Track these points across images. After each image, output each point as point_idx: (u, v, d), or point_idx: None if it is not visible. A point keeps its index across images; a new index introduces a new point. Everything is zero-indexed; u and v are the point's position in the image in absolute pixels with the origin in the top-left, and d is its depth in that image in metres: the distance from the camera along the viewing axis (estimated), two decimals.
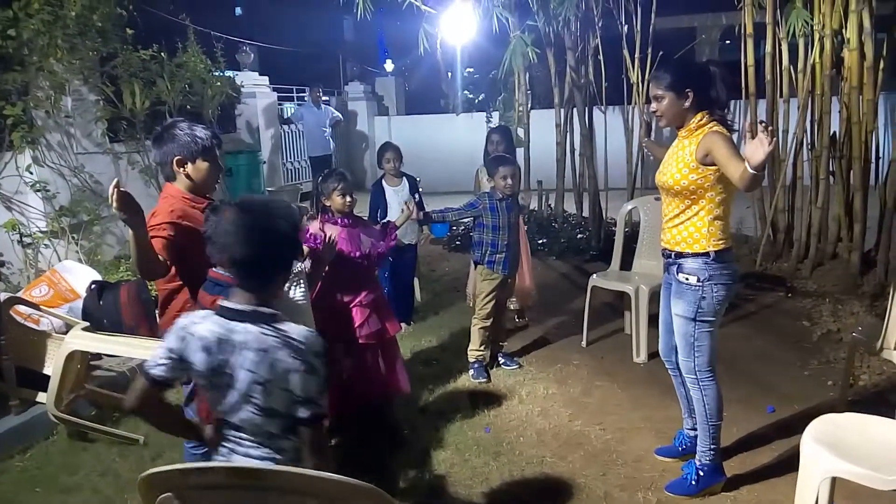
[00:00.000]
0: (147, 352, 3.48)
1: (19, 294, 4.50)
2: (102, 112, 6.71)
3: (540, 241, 7.50)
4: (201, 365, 1.73)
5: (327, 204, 3.55)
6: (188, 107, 7.69)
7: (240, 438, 1.77)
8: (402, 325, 4.49)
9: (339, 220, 3.54)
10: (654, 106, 2.90)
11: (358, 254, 3.51)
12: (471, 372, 4.30)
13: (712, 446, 3.00)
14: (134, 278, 5.03)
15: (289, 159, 10.91)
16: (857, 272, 5.43)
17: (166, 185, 2.67)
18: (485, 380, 4.22)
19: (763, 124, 2.42)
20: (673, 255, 2.91)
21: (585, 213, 8.01)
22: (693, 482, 3.00)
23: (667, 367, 3.22)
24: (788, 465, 2.57)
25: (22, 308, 3.95)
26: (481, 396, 4.03)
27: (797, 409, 3.67)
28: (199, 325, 1.75)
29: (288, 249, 1.83)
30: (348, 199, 3.52)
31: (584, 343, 4.78)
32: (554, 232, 7.77)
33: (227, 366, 1.71)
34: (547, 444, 3.48)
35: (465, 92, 12.37)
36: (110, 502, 3.08)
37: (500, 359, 4.46)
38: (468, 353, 4.34)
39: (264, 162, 9.43)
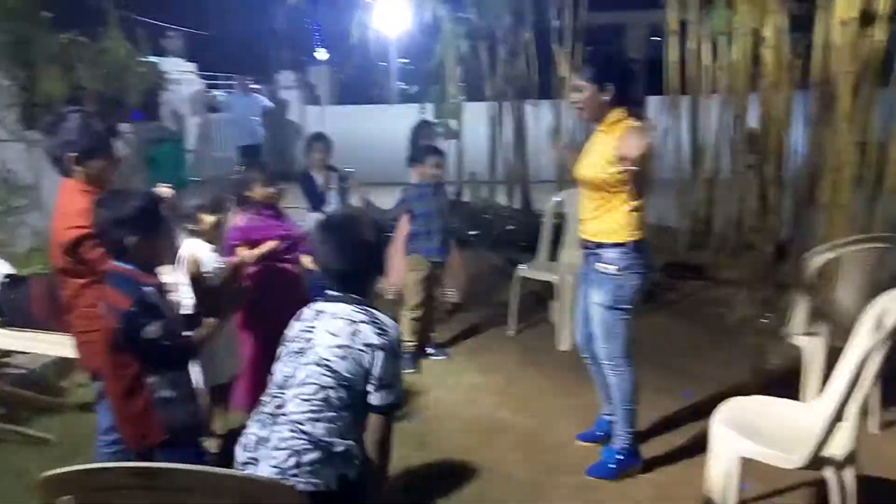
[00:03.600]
0: (58, 347, 3.36)
1: None
2: (15, 98, 6.40)
3: (472, 233, 7.54)
4: (290, 331, 1.92)
5: (250, 195, 3.47)
6: (109, 94, 7.42)
7: (280, 430, 1.77)
8: None
9: (263, 212, 3.48)
10: (575, 96, 2.96)
11: (283, 236, 3.45)
12: (430, 351, 4.36)
13: (629, 430, 3.10)
14: (47, 272, 4.83)
15: (216, 149, 10.63)
16: (770, 261, 5.67)
17: (63, 181, 2.55)
18: (413, 370, 4.23)
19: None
20: (592, 246, 2.98)
21: (517, 206, 8.10)
22: (612, 466, 3.08)
23: (583, 356, 3.30)
24: (703, 446, 2.67)
25: None
26: (407, 387, 4.03)
27: (712, 393, 3.80)
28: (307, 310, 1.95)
29: (376, 259, 2.01)
30: (271, 189, 3.46)
31: (511, 332, 4.83)
32: (486, 223, 7.82)
33: (312, 330, 1.84)
34: (472, 433, 3.51)
35: (400, 83, 12.30)
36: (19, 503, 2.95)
37: (429, 349, 4.47)
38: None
39: (189, 151, 9.17)
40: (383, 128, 11.91)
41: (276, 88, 12.53)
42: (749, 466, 2.71)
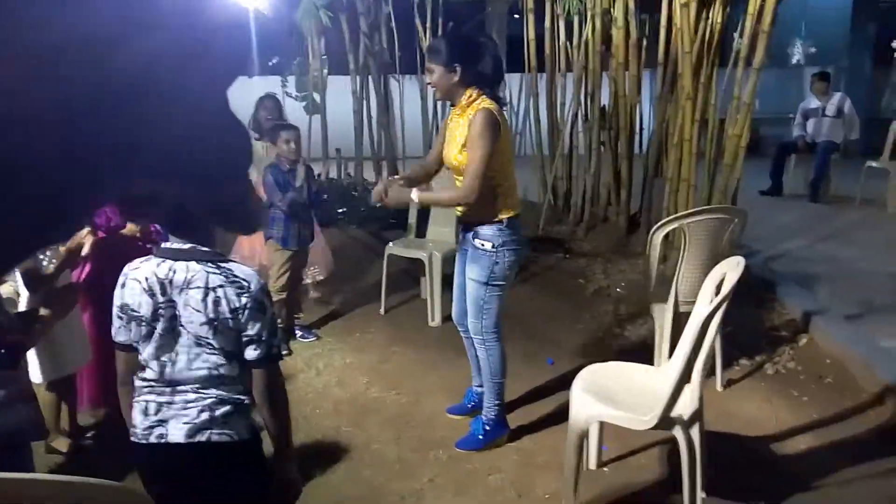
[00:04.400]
0: None
1: None
2: None
3: (340, 210, 7.44)
4: (145, 309, 1.69)
5: None
6: None
7: (170, 404, 1.70)
8: None
9: None
10: (427, 78, 2.99)
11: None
12: (298, 333, 4.28)
13: (496, 402, 3.20)
14: None
15: None
16: (624, 233, 6.01)
17: None
18: (286, 353, 4.13)
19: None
20: (468, 224, 3.04)
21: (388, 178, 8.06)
22: (480, 436, 3.17)
23: (459, 330, 3.36)
24: (565, 413, 2.80)
25: None
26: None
27: (573, 360, 4.00)
28: (138, 269, 1.71)
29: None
30: None
31: (381, 311, 4.83)
32: (353, 201, 7.73)
33: (175, 307, 1.66)
34: (343, 414, 3.49)
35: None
36: None
37: (297, 332, 4.38)
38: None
39: None
40: (244, 101, 11.41)
41: None
42: (607, 429, 2.90)
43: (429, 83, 2.98)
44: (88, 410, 3.29)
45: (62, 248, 2.87)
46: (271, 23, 10.91)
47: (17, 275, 2.73)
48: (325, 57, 8.88)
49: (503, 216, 2.98)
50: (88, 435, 3.25)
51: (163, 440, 1.71)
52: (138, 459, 1.79)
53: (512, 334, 4.11)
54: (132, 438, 1.78)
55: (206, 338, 1.67)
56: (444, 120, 3.24)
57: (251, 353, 1.70)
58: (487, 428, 3.19)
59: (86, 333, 3.06)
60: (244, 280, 1.68)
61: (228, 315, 1.66)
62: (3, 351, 1.97)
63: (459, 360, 3.79)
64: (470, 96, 2.89)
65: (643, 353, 3.77)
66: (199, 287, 1.65)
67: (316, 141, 8.33)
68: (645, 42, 5.97)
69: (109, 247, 3.02)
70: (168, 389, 1.73)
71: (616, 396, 2.62)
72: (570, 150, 6.58)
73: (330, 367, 4.01)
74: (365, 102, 8.04)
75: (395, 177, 3.38)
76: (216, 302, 1.65)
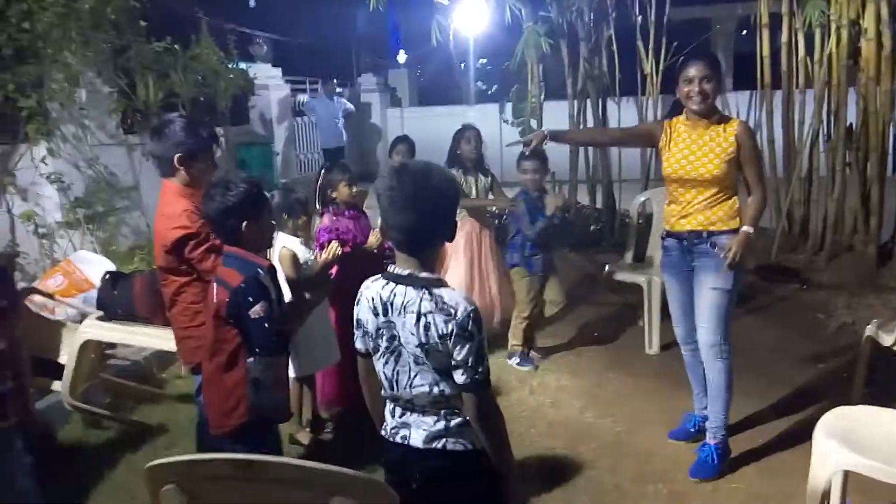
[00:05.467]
0: (160, 341, 3.53)
1: (35, 284, 4.54)
2: (116, 104, 6.75)
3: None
4: (370, 326, 1.82)
5: (334, 196, 3.56)
6: (201, 98, 7.74)
7: (411, 410, 1.83)
8: None
9: (347, 212, 3.56)
10: (700, 86, 2.94)
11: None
12: (514, 360, 4.30)
13: (724, 417, 3.08)
14: (148, 269, 5.07)
15: (302, 151, 10.93)
16: (873, 264, 5.37)
17: (165, 183, 2.67)
18: (531, 367, 4.26)
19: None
20: (705, 235, 3.04)
21: (599, 205, 7.98)
22: (713, 461, 3.04)
23: (684, 352, 3.27)
24: (800, 457, 2.55)
25: (37, 298, 3.98)
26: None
27: (808, 401, 3.64)
28: (368, 289, 1.84)
29: (448, 215, 1.83)
30: (354, 189, 3.54)
31: (596, 334, 4.76)
32: (568, 224, 7.73)
33: (394, 328, 1.77)
34: (558, 436, 3.48)
35: (478, 83, 12.33)
36: (123, 489, 3.10)
37: (514, 358, 4.36)
38: (510, 346, 4.35)
39: (277, 154, 9.46)
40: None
41: (358, 91, 12.78)
42: (854, 481, 2.59)
43: (699, 91, 2.94)
44: (324, 407, 3.60)
45: (319, 258, 3.22)
46: (489, 52, 11.32)
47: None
48: (542, 83, 9.03)
49: (741, 225, 3.00)
50: (327, 429, 3.54)
51: (405, 441, 1.84)
52: (386, 453, 1.91)
53: (739, 368, 3.87)
54: (382, 433, 1.92)
55: (422, 357, 1.76)
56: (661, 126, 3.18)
57: (458, 377, 1.75)
58: (719, 451, 3.06)
59: (335, 335, 3.37)
60: (452, 307, 1.72)
61: (437, 340, 1.72)
62: (275, 338, 2.24)
63: (678, 391, 3.63)
64: (721, 112, 3.05)
65: (895, 399, 3.33)
66: (412, 312, 1.74)
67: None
68: None
69: (353, 258, 3.37)
70: (401, 400, 1.84)
71: (867, 444, 2.34)
72: (808, 172, 6.04)
73: (543, 388, 4.02)
74: (581, 126, 8.03)
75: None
76: (426, 327, 1.72)
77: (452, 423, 1.81)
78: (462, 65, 13.35)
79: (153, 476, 1.41)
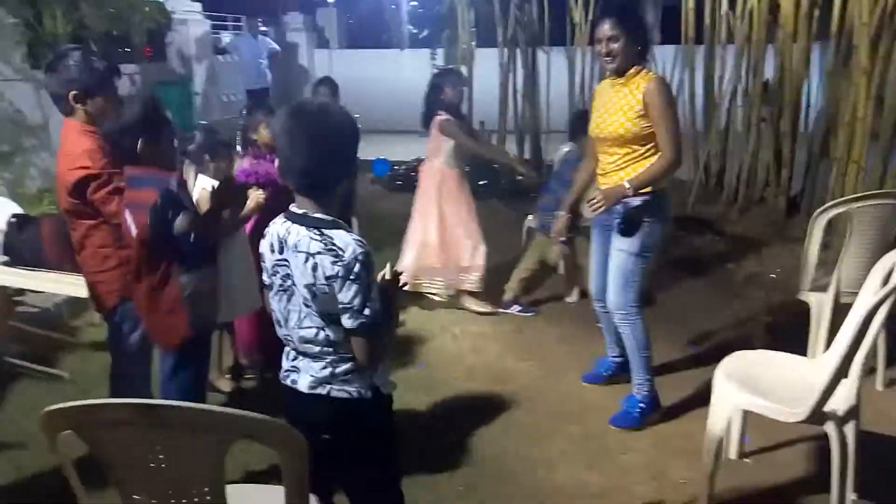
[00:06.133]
0: (70, 287, 3.40)
1: None
2: (21, 37, 6.32)
3: (481, 182, 7.51)
4: (267, 261, 1.83)
5: (255, 138, 3.47)
6: (114, 33, 7.31)
7: (303, 354, 1.82)
8: None
9: (268, 155, 3.47)
10: (607, 47, 2.90)
11: None
12: (516, 308, 4.38)
13: (647, 377, 3.16)
14: (57, 212, 4.84)
15: (224, 92, 10.51)
16: (782, 217, 5.64)
17: (66, 122, 2.54)
18: (534, 314, 4.38)
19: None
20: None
21: (527, 156, 8.04)
22: (636, 413, 3.14)
23: (596, 306, 3.33)
24: (705, 399, 2.70)
25: None
26: (415, 335, 4.08)
27: (718, 346, 3.83)
28: (273, 224, 1.83)
29: (346, 156, 1.79)
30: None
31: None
32: (495, 174, 7.76)
33: (288, 266, 1.76)
34: (478, 379, 3.57)
35: (409, 27, 12.08)
36: (34, 439, 3.02)
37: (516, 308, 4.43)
38: (507, 295, 4.41)
39: (197, 94, 9.08)
40: (392, 74, 11.79)
41: (285, 31, 12.33)
42: (751, 420, 2.76)
43: (606, 52, 2.90)
44: (245, 354, 3.57)
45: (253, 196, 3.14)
46: None
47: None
48: (474, 29, 8.92)
49: (656, 189, 2.96)
50: (248, 376, 3.52)
51: (294, 385, 1.85)
52: (281, 396, 1.92)
53: (654, 317, 4.01)
54: (280, 376, 1.93)
55: (309, 300, 1.74)
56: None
57: (346, 321, 1.73)
58: (643, 405, 3.15)
59: (256, 281, 3.31)
60: (340, 248, 1.68)
61: (324, 281, 1.70)
62: (202, 248, 2.23)
63: (594, 337, 3.75)
64: (639, 68, 2.93)
65: (795, 344, 3.51)
66: (303, 252, 1.72)
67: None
68: (817, 11, 5.49)
69: (273, 203, 3.27)
70: (292, 341, 1.84)
71: (763, 386, 2.49)
72: (726, 126, 6.23)
73: (465, 334, 4.09)
74: (511, 75, 8.02)
75: (560, 213, 3.42)
76: (314, 267, 1.70)
77: (338, 369, 1.80)
78: (393, 7, 13.07)
79: (49, 422, 1.37)
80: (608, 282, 3.11)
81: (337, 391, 1.81)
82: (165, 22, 8.51)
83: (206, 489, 1.44)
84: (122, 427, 1.39)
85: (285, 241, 1.76)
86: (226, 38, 11.47)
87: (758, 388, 2.47)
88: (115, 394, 2.72)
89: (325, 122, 1.74)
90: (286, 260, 1.76)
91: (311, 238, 1.71)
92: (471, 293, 4.42)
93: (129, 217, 2.24)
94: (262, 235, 1.89)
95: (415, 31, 12.18)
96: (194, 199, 3.13)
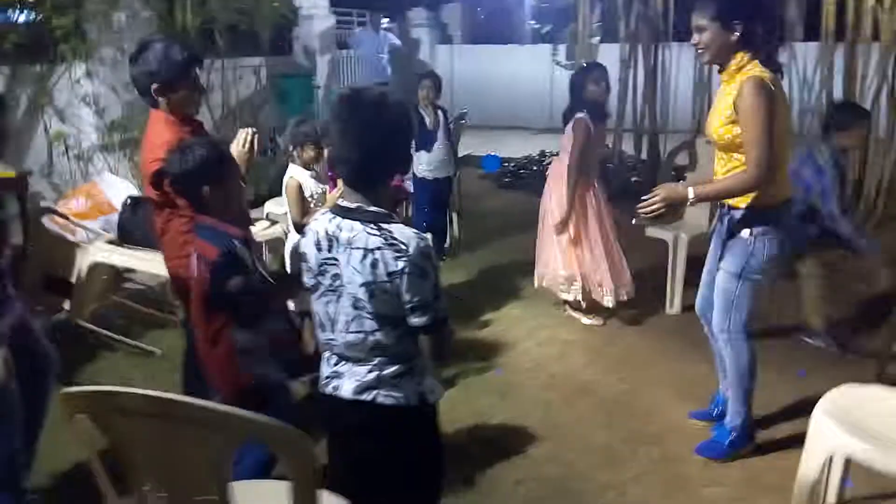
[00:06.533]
0: (161, 267, 3.53)
1: (58, 205, 4.60)
2: (154, 29, 6.70)
3: None
4: (312, 260, 1.72)
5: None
6: (241, 27, 7.61)
7: (345, 359, 1.74)
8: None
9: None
10: (695, 38, 2.62)
11: None
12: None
13: (743, 408, 2.85)
14: None
15: (344, 85, 10.76)
16: None
17: (152, 112, 2.56)
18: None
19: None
20: (726, 207, 2.72)
21: (644, 156, 7.68)
22: (726, 444, 2.85)
23: (702, 322, 3.02)
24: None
25: (57, 219, 4.03)
26: (498, 337, 3.95)
27: (833, 377, 3.43)
28: (317, 221, 1.75)
29: (398, 148, 1.71)
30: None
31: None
32: (608, 173, 7.47)
33: (337, 265, 1.66)
34: (557, 389, 3.40)
35: (531, 22, 11.87)
36: None
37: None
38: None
39: (318, 87, 9.33)
40: (511, 69, 11.64)
41: (408, 26, 12.47)
42: (856, 463, 2.42)
43: (696, 44, 2.61)
44: None
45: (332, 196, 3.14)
46: None
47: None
48: (598, 24, 8.62)
49: (770, 201, 2.61)
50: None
51: (336, 392, 1.75)
52: (319, 404, 1.83)
53: (768, 335, 3.66)
54: (319, 385, 1.83)
55: (363, 300, 1.64)
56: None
57: (416, 319, 1.64)
58: (734, 436, 2.85)
59: None
60: (403, 243, 1.60)
61: (386, 278, 1.61)
62: (256, 310, 2.15)
63: (694, 353, 3.48)
64: (740, 61, 2.55)
65: None
66: (359, 248, 1.62)
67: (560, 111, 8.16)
68: None
69: None
70: (337, 346, 1.74)
71: (872, 429, 2.16)
72: (867, 132, 5.62)
73: (552, 340, 3.91)
74: (631, 71, 7.66)
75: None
76: (374, 264, 1.61)
77: (385, 372, 1.71)
78: (517, 2, 12.89)
79: (65, 404, 1.37)
80: (715, 301, 2.82)
81: (383, 397, 1.71)
82: (291, 17, 8.79)
83: (212, 486, 1.39)
84: (134, 416, 1.37)
85: (336, 237, 1.67)
86: (350, 32, 11.75)
87: (864, 430, 2.15)
88: (183, 375, 2.78)
89: (378, 111, 1.64)
90: (335, 258, 1.67)
91: (369, 233, 1.63)
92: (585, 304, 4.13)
93: (193, 262, 2.21)
94: None
95: (537, 26, 11.95)
96: (283, 188, 3.20)
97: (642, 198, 2.65)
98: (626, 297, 4.09)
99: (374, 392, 1.71)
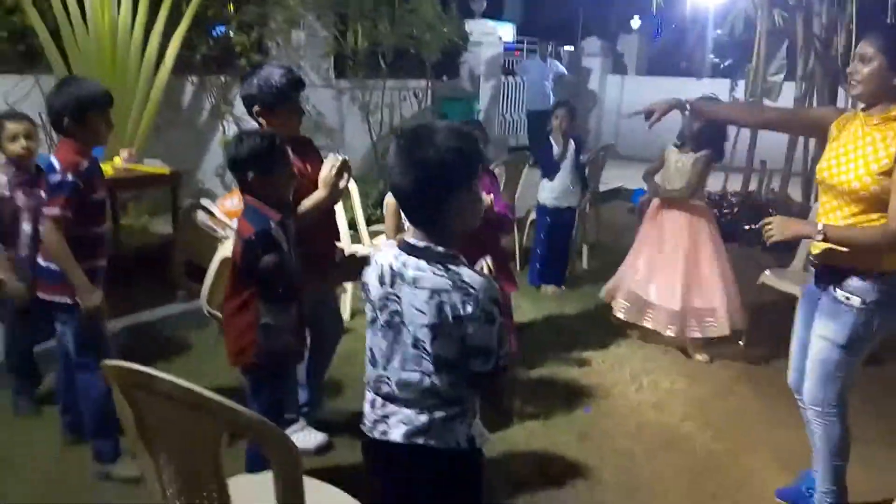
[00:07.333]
0: None
1: (217, 202, 5.10)
2: (329, 48, 7.25)
3: (747, 227, 6.81)
4: (374, 293, 1.68)
5: None
6: (411, 50, 7.99)
7: (393, 400, 1.68)
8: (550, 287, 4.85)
9: None
10: (853, 66, 2.35)
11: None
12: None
13: (832, 487, 2.58)
14: None
15: (507, 111, 10.93)
16: None
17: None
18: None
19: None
20: (833, 267, 2.43)
21: (813, 202, 7.07)
22: None
23: (796, 397, 2.73)
24: None
25: (201, 214, 4.48)
26: (598, 375, 3.82)
27: None
28: (381, 253, 1.70)
29: (449, 180, 1.57)
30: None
31: (741, 342, 4.28)
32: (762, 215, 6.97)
33: (398, 302, 1.63)
34: (642, 440, 3.22)
35: (711, 55, 11.38)
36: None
37: None
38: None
39: (479, 111, 9.56)
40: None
41: (580, 55, 12.43)
42: None
43: (851, 72, 2.34)
44: None
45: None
46: (729, 23, 10.39)
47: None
48: (784, 61, 8.11)
49: (886, 267, 2.32)
50: None
51: (384, 437, 1.70)
52: (364, 448, 1.80)
53: (889, 414, 3.32)
54: (362, 427, 1.78)
55: (424, 342, 1.60)
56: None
57: (481, 365, 1.59)
58: None
59: None
60: (472, 286, 1.55)
61: (451, 321, 1.56)
62: (283, 290, 2.32)
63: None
64: None
65: None
66: (425, 288, 1.58)
67: (742, 150, 7.70)
68: None
69: None
70: (387, 384, 1.69)
71: None
72: None
73: (653, 387, 3.72)
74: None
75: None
76: (439, 307, 1.56)
77: (437, 416, 1.65)
78: (698, 36, 12.41)
79: (108, 375, 1.52)
80: (807, 372, 2.55)
81: (435, 442, 1.66)
82: (459, 42, 9.09)
83: (209, 470, 1.51)
84: (149, 393, 1.50)
85: (401, 274, 1.62)
86: (520, 60, 11.91)
87: None
88: None
89: (429, 144, 1.56)
90: (398, 295, 1.62)
91: (436, 274, 1.58)
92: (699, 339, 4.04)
93: (233, 238, 2.42)
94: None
95: (716, 60, 11.42)
96: (384, 205, 3.33)
97: (763, 225, 2.41)
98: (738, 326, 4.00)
99: (425, 437, 1.66)
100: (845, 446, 2.53)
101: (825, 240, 2.31)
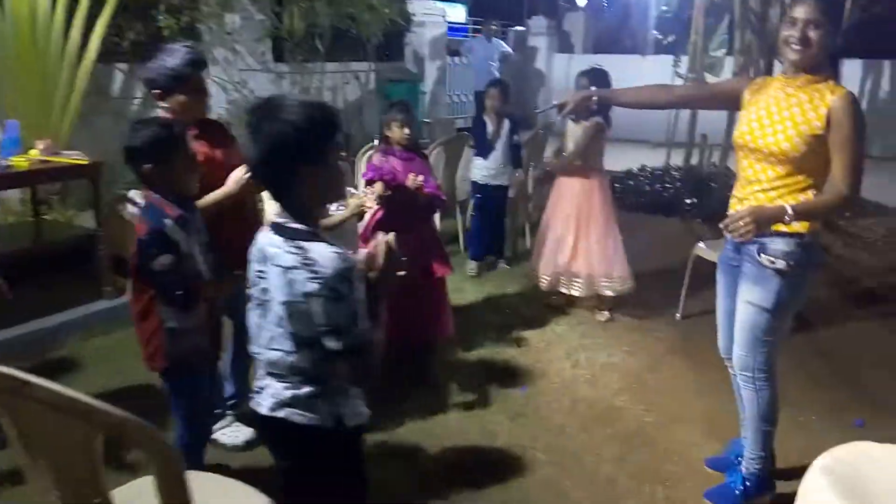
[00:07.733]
0: None
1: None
2: (266, 31, 7.08)
3: (688, 201, 6.90)
4: (251, 272, 1.71)
5: (387, 134, 3.48)
6: (350, 31, 7.86)
7: (268, 373, 1.71)
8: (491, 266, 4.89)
9: (397, 153, 3.46)
10: (803, 31, 2.25)
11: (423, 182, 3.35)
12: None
13: (761, 453, 2.61)
14: None
15: (454, 92, 10.85)
16: None
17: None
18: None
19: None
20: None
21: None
22: (737, 491, 2.62)
23: (726, 363, 2.77)
24: None
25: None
26: (536, 354, 3.82)
27: (893, 427, 3.05)
28: (261, 232, 1.72)
29: (294, 155, 1.57)
30: (406, 131, 3.42)
31: (678, 316, 4.32)
32: (708, 192, 7.05)
33: (265, 279, 1.66)
34: (577, 415, 3.23)
35: (655, 32, 11.43)
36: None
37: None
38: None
39: (424, 93, 9.48)
40: (633, 79, 11.14)
41: (526, 34, 12.39)
42: None
43: (800, 38, 2.25)
44: None
45: (352, 201, 3.15)
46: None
47: None
48: (726, 36, 8.18)
49: (808, 228, 2.34)
50: None
51: (257, 407, 1.73)
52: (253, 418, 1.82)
53: (821, 379, 3.45)
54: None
55: (283, 319, 1.61)
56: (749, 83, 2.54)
57: (331, 343, 1.58)
58: (748, 483, 2.61)
59: None
60: (319, 263, 1.55)
61: (301, 299, 1.57)
62: (181, 293, 2.18)
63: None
64: (825, 76, 2.29)
65: None
66: (279, 265, 1.60)
67: (682, 125, 7.78)
68: None
69: (391, 199, 3.27)
70: (261, 360, 1.72)
71: (872, 493, 1.89)
72: None
73: (589, 363, 3.73)
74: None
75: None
76: (290, 283, 1.58)
77: (301, 392, 1.67)
78: (641, 12, 12.45)
79: None
80: (734, 339, 2.57)
81: (297, 416, 1.68)
82: (403, 24, 8.97)
83: (87, 475, 1.44)
84: (7, 395, 1.42)
85: (264, 252, 1.66)
86: (464, 40, 11.82)
87: (861, 496, 1.88)
88: None
89: (273, 119, 1.55)
90: (264, 272, 1.66)
91: (287, 251, 1.59)
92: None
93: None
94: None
95: (660, 36, 11.47)
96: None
97: (727, 223, 2.30)
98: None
99: (288, 410, 1.68)
100: (774, 411, 2.56)
101: (798, 219, 2.28)
